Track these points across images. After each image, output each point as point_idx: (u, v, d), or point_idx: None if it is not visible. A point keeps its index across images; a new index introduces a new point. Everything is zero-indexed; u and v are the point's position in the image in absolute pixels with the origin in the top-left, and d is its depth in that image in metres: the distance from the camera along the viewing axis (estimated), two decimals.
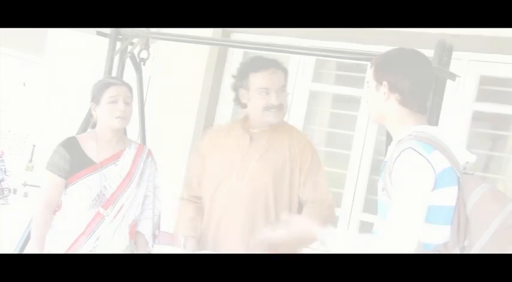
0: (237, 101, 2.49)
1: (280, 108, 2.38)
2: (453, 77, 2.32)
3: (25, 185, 4.33)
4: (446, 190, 1.72)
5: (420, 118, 1.85)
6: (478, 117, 3.42)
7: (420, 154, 1.69)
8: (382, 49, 1.97)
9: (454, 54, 2.36)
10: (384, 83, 1.82)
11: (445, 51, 2.27)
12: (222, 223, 2.40)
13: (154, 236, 2.62)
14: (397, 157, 1.72)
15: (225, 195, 2.40)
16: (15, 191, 4.72)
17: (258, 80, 2.36)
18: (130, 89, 2.60)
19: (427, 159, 1.69)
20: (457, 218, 1.72)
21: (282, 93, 2.39)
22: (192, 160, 2.60)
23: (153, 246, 2.61)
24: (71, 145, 2.56)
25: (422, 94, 1.84)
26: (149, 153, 2.67)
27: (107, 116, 2.52)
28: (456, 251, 1.71)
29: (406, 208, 1.68)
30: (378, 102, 1.86)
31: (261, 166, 2.38)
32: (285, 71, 2.45)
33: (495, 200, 1.70)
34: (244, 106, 2.49)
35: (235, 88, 2.47)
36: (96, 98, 2.54)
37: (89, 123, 2.91)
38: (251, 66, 2.42)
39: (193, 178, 2.57)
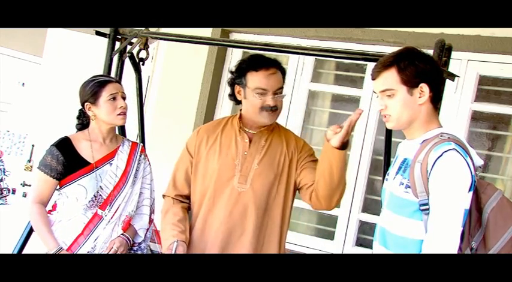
0: (233, 96, 2.45)
1: (275, 109, 2.35)
2: (452, 77, 2.32)
3: (24, 185, 4.33)
4: (470, 194, 1.75)
5: (438, 117, 1.88)
6: (476, 117, 3.42)
7: (463, 157, 1.71)
8: (381, 49, 1.96)
9: (453, 54, 2.36)
10: (422, 84, 1.80)
11: (444, 51, 2.26)
12: (224, 227, 2.33)
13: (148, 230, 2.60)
14: (439, 157, 1.71)
15: (227, 198, 2.35)
16: (14, 191, 4.70)
17: (256, 79, 2.31)
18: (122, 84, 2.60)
19: (467, 163, 1.71)
20: (469, 220, 1.75)
21: (279, 95, 2.34)
22: (180, 157, 2.50)
23: (149, 239, 2.61)
24: (64, 146, 2.50)
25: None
26: (142, 150, 2.67)
27: (109, 114, 2.50)
28: (467, 252, 1.73)
29: (452, 212, 1.69)
30: (411, 107, 1.82)
31: (262, 168, 2.36)
32: (283, 72, 2.39)
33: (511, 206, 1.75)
34: (239, 103, 2.46)
35: (232, 84, 2.42)
36: (92, 97, 2.50)
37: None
38: (251, 64, 2.36)
39: (180, 176, 2.46)
